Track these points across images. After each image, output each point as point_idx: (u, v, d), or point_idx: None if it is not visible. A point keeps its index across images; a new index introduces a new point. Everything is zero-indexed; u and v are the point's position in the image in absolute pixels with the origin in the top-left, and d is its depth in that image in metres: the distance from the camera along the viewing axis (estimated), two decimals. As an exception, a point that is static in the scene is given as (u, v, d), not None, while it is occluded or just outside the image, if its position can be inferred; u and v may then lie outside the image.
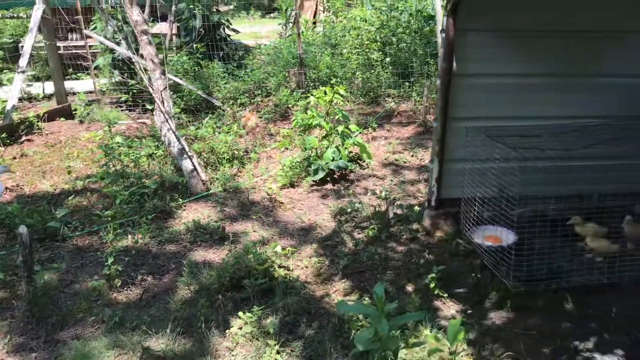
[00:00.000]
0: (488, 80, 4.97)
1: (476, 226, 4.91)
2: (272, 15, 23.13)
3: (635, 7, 4.95)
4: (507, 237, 4.66)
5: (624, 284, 4.25)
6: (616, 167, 4.64)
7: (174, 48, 11.21)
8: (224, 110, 9.06)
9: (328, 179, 6.55)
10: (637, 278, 4.27)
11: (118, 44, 9.04)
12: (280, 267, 4.68)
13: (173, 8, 11.06)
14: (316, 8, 15.48)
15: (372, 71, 10.20)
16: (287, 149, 7.65)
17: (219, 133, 7.70)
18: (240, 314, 4.03)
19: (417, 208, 5.52)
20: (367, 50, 10.46)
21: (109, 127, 7.29)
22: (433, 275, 4.29)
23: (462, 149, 4.97)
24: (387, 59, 10.21)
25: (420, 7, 10.77)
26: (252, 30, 17.73)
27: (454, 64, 4.82)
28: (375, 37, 10.68)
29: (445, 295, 4.25)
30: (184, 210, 5.93)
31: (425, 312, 3.90)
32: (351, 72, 10.28)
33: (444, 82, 4.86)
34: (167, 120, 6.48)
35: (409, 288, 4.42)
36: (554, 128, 4.84)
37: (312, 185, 6.47)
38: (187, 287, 4.50)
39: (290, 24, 13.41)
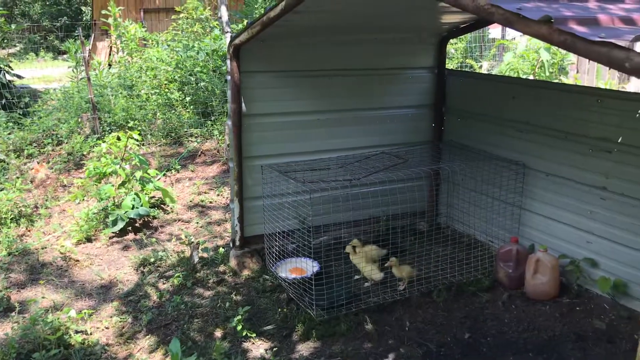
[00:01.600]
0: (276, 119, 5.16)
1: (281, 260, 5.01)
2: (65, 56, 21.72)
3: (400, 49, 5.54)
4: (310, 267, 4.84)
5: (413, 299, 4.63)
6: (398, 190, 5.07)
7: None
8: (7, 164, 8.21)
9: (129, 228, 6.24)
10: (424, 292, 4.69)
11: None
12: (76, 332, 4.31)
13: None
14: (110, 49, 14.89)
15: (173, 111, 10.03)
16: (82, 200, 7.15)
17: (1, 190, 6.95)
18: (29, 394, 3.61)
19: (221, 250, 5.48)
20: (167, 90, 10.28)
21: None
22: (239, 317, 4.26)
23: (259, 186, 5.08)
24: (187, 99, 10.13)
25: (216, 47, 10.89)
26: (43, 74, 16.48)
27: (243, 105, 4.92)
28: (174, 76, 10.56)
29: (254, 335, 4.24)
30: (-41, 283, 5.21)
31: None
32: (151, 114, 10.01)
33: (235, 123, 4.93)
34: None
35: (218, 333, 4.33)
36: (340, 160, 5.17)
37: (111, 238, 6.10)
38: (-37, 374, 3.93)
39: (82, 67, 12.69)
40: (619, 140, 4.29)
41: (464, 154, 5.50)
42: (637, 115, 4.18)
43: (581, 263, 4.60)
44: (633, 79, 11.88)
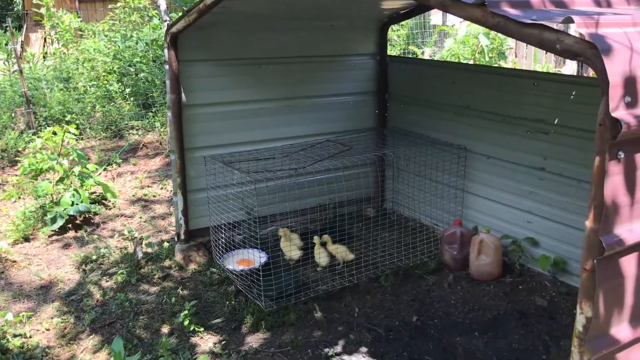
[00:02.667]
0: (218, 109, 5.07)
1: (228, 252, 4.95)
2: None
3: (341, 36, 5.52)
4: (258, 258, 4.79)
5: (362, 285, 4.65)
6: (344, 177, 5.08)
7: None
8: None
9: (69, 226, 6.01)
10: (372, 277, 4.72)
11: None
12: (15, 336, 4.13)
13: None
14: (44, 40, 14.30)
15: (113, 103, 9.74)
16: (18, 199, 6.85)
17: None
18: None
19: (166, 244, 5.36)
20: (105, 82, 9.96)
21: None
22: (186, 312, 4.18)
23: (203, 178, 4.98)
24: (127, 90, 9.85)
25: (155, 36, 10.61)
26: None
27: (182, 95, 4.80)
28: (112, 68, 10.24)
29: (202, 329, 4.17)
30: None
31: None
32: (90, 107, 9.68)
33: (175, 114, 4.81)
34: None
35: (165, 329, 4.24)
36: (284, 149, 5.13)
37: (50, 236, 5.87)
38: None
39: (14, 59, 12.14)
40: (555, 122, 4.41)
41: (408, 139, 5.56)
42: (572, 97, 4.30)
43: (522, 243, 4.73)
44: (568, 62, 12.29)
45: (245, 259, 4.94)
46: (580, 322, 1.95)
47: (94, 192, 6.76)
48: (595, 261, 1.85)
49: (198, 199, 5.14)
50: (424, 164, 5.42)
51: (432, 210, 5.52)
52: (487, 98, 4.91)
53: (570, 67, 11.79)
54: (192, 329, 4.15)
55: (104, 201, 6.76)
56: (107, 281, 4.96)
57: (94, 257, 5.31)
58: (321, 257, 4.88)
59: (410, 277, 4.82)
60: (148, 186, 7.30)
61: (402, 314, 4.32)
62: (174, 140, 4.89)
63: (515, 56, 12.09)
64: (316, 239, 4.93)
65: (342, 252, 4.89)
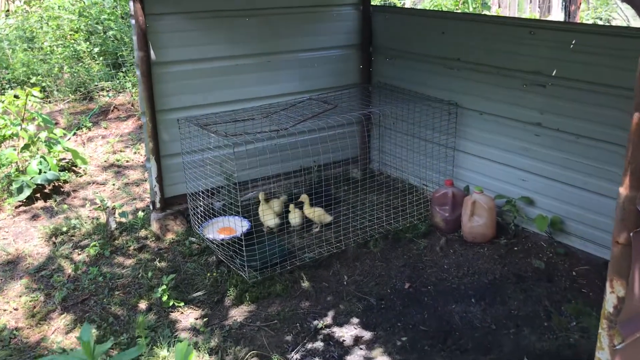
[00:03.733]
0: (191, 67, 4.70)
1: (207, 220, 4.66)
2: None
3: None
4: (240, 226, 4.51)
5: (350, 251, 4.42)
6: (328, 137, 4.78)
7: None
8: None
9: (37, 195, 5.65)
10: (360, 243, 4.49)
11: None
12: (-20, 318, 3.84)
13: None
14: (5, -3, 13.48)
15: (81, 64, 9.21)
16: (-19, 168, 6.44)
17: None
18: None
19: (141, 213, 5.04)
20: (72, 41, 9.41)
21: None
22: (164, 287, 3.91)
23: (178, 142, 4.64)
24: (96, 49, 9.31)
25: (123, -9, 10.01)
26: None
27: (151, 51, 4.42)
28: (79, 26, 9.67)
29: (182, 304, 3.91)
30: None
31: (143, 347, 3.42)
32: (57, 68, 9.15)
33: (144, 72, 4.44)
34: None
35: (142, 305, 3.97)
36: (264, 109, 4.79)
37: (17, 207, 5.51)
38: None
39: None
40: (553, 74, 4.13)
41: (395, 95, 5.25)
42: (571, 46, 4.01)
43: (517, 202, 4.51)
44: (553, 10, 11.96)
45: (226, 228, 4.66)
46: (610, 301, 1.71)
47: (63, 159, 6.38)
48: (632, 234, 1.59)
49: (173, 165, 4.81)
50: (412, 122, 5.13)
51: (421, 170, 5.26)
52: (480, 49, 4.60)
53: (555, 16, 11.47)
54: (171, 304, 3.89)
55: (74, 168, 6.38)
56: (79, 254, 4.66)
57: (65, 229, 4.98)
58: (295, 218, 4.66)
59: (400, 241, 4.59)
60: (120, 151, 6.92)
61: (393, 281, 4.11)
62: (143, 102, 4.52)
63: (499, 6, 11.72)
64: (291, 207, 4.70)
65: (319, 214, 4.63)
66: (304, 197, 4.70)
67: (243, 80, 4.93)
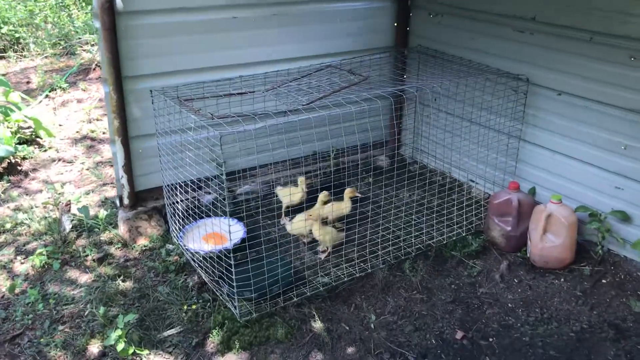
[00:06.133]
0: (171, 18, 3.50)
1: (191, 223, 3.53)
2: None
3: None
4: (233, 232, 3.34)
5: (378, 276, 3.28)
6: (350, 116, 3.59)
7: None
8: None
9: (-14, 175, 4.55)
10: (392, 264, 3.35)
11: None
12: None
13: None
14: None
15: (66, 11, 8.01)
16: None
17: None
18: None
19: (102, 212, 3.91)
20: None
21: None
22: (119, 330, 2.78)
23: (151, 119, 3.45)
24: (82, -4, 8.10)
25: None
26: None
27: (114, -4, 3.21)
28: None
29: (146, 351, 2.82)
30: None
31: None
32: (41, 18, 7.95)
33: (106, 24, 3.25)
34: None
35: (94, 349, 2.88)
36: (269, 79, 3.59)
37: (-43, 191, 4.41)
38: None
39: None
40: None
41: (438, 64, 4.04)
42: None
43: (608, 218, 3.33)
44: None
45: (215, 234, 3.51)
46: None
47: (26, 129, 5.25)
48: None
49: (147, 148, 3.66)
50: (462, 99, 3.92)
51: (470, 163, 4.08)
52: (565, 6, 3.35)
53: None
54: (131, 351, 2.79)
55: (38, 140, 5.25)
56: (21, 263, 3.56)
57: (8, 226, 3.88)
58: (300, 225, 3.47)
59: (444, 263, 3.45)
60: (97, 119, 5.76)
61: (439, 326, 2.98)
62: (105, 65, 3.34)
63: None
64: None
65: (330, 237, 3.44)
66: (324, 195, 3.56)
67: (241, 38, 3.72)
